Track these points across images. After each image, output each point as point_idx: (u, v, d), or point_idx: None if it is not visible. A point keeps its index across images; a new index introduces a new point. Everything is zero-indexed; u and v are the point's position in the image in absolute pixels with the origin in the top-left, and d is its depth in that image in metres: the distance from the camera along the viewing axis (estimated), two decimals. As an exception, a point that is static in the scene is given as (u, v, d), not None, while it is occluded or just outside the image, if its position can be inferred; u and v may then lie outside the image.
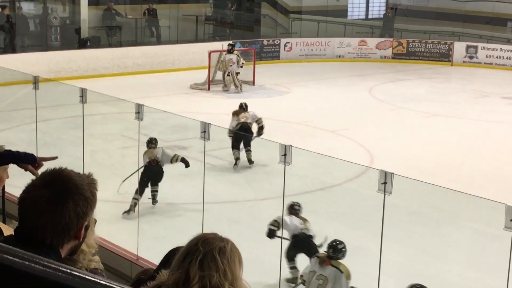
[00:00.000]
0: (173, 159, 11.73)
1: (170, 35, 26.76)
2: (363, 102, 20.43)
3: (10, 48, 23.14)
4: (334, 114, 18.77)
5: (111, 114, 17.37)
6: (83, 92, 9.92)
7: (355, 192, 12.39)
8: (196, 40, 26.99)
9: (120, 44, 25.32)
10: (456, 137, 16.72)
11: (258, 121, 14.55)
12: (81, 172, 2.42)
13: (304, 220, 9.35)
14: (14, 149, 3.04)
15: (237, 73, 21.29)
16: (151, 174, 11.66)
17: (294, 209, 9.44)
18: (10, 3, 23.87)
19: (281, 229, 9.10)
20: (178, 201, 12.01)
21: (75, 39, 24.54)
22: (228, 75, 21.23)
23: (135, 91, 20.21)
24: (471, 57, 26.99)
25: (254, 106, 19.68)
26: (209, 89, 21.27)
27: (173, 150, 12.65)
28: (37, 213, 2.19)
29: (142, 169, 11.51)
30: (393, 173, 6.93)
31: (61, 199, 2.20)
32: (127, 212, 11.22)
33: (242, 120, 14.36)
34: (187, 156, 14.42)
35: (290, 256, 9.24)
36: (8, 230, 2.89)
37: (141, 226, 9.69)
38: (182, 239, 2.75)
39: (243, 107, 14.85)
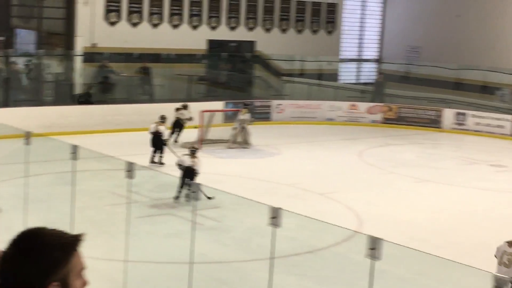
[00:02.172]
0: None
1: (163, 94, 26.98)
2: (353, 166, 20.53)
3: (3, 102, 23.24)
4: (324, 177, 18.83)
5: (101, 170, 17.38)
6: (74, 149, 9.96)
7: (343, 256, 12.37)
8: (189, 99, 27.18)
9: (113, 101, 25.48)
10: (445, 203, 16.77)
11: (188, 119, 22.24)
12: (68, 230, 2.45)
13: (195, 158, 15.28)
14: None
15: None
16: (154, 142, 18.87)
17: (192, 151, 15.47)
18: (4, 58, 24.06)
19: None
20: (166, 260, 11.95)
21: (68, 95, 24.68)
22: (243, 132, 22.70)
23: (126, 148, 20.28)
24: (460, 124, 27.28)
25: (244, 166, 19.79)
26: (200, 148, 21.34)
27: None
28: (3, 269, 2.27)
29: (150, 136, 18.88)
30: (381, 239, 6.96)
31: (22, 256, 2.26)
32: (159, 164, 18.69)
33: (178, 115, 22.15)
34: (175, 215, 14.45)
35: (182, 182, 14.86)
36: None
37: (129, 285, 9.62)
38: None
39: (183, 107, 22.44)
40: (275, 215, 7.75)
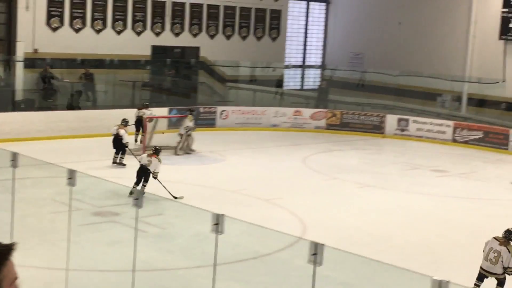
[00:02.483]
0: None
1: (106, 100, 26.72)
2: (297, 172, 20.63)
3: None
4: (268, 183, 18.88)
5: (43, 178, 17.12)
6: (14, 157, 9.79)
7: (287, 262, 12.41)
8: (133, 105, 26.98)
9: (55, 108, 25.14)
10: (387, 209, 16.97)
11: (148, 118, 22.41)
12: (8, 239, 2.43)
13: (153, 158, 15.64)
14: None
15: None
16: (115, 144, 19.49)
17: (153, 151, 16.06)
18: None
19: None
20: (108, 268, 11.82)
21: (9, 101, 24.26)
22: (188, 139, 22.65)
23: (69, 155, 20.03)
24: (402, 130, 27.66)
25: (189, 172, 19.73)
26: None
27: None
28: None
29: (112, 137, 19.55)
30: (323, 244, 7.00)
31: None
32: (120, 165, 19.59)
33: (140, 114, 22.56)
34: (119, 222, 14.31)
35: (139, 178, 15.57)
36: None
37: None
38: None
39: (145, 107, 23.01)
40: (218, 222, 7.74)
